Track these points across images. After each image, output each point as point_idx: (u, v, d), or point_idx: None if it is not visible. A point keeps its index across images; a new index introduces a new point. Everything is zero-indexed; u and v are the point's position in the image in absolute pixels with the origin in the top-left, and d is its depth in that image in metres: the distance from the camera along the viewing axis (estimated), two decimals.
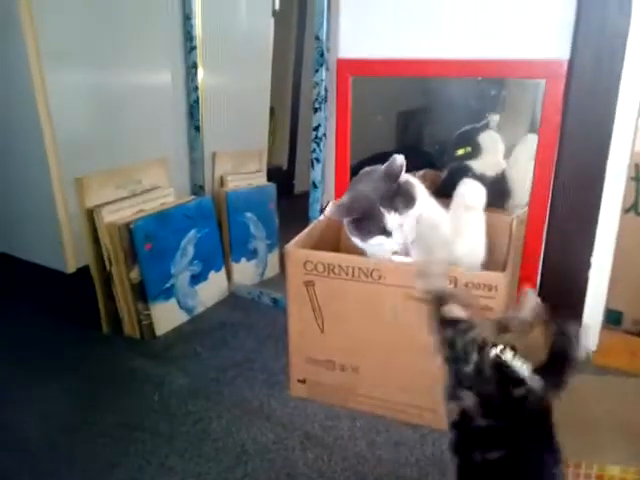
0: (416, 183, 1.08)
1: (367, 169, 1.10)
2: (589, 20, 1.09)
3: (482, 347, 0.67)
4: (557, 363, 0.66)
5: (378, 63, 1.37)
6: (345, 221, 1.07)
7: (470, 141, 1.38)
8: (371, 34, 1.37)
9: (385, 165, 1.04)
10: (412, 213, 1.03)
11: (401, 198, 1.02)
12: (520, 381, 0.64)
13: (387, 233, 1.02)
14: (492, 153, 1.37)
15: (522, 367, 0.65)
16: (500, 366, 0.66)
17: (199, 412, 1.15)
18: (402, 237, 1.02)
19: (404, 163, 1.02)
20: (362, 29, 1.39)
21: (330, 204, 1.08)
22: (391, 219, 1.01)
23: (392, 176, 1.02)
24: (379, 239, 1.03)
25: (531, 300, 0.74)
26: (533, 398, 0.64)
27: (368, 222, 1.02)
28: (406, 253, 1.07)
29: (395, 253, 1.07)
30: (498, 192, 1.36)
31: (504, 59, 1.22)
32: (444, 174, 1.43)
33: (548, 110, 1.18)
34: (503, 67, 1.24)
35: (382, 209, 1.00)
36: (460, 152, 1.41)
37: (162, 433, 1.09)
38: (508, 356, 0.66)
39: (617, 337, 1.32)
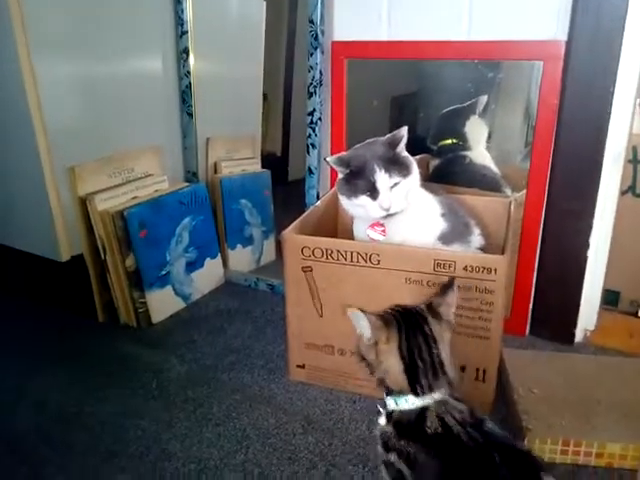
0: (414, 161, 1.08)
1: (370, 139, 1.11)
2: (587, 0, 1.09)
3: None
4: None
5: (373, 45, 1.35)
6: (338, 178, 1.09)
7: (455, 131, 1.38)
8: (366, 16, 1.35)
9: (388, 135, 1.07)
10: (404, 183, 1.03)
11: (397, 165, 1.03)
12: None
13: (374, 194, 1.02)
14: (478, 142, 1.38)
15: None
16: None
17: (198, 398, 1.14)
18: (387, 202, 1.01)
19: (406, 135, 1.04)
20: (357, 11, 1.37)
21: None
22: (381, 177, 1.01)
23: (392, 144, 1.05)
24: (364, 199, 1.03)
25: (360, 318, 0.69)
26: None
27: (358, 178, 1.03)
28: (383, 230, 1.08)
29: (374, 228, 1.08)
30: (495, 180, 1.36)
31: (501, 40, 1.21)
32: (436, 161, 1.43)
33: (546, 92, 1.17)
34: (500, 49, 1.22)
35: (375, 166, 1.01)
36: (446, 142, 1.40)
37: (162, 420, 1.08)
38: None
39: (615, 317, 1.33)
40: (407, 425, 0.65)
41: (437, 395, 0.65)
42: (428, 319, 0.69)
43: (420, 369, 0.66)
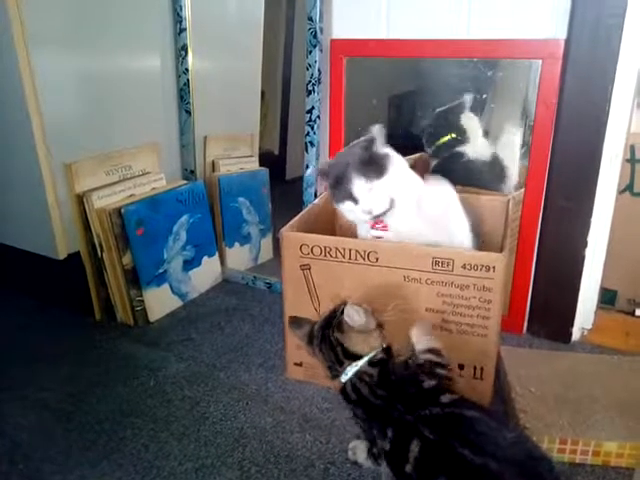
0: (392, 155, 1.07)
1: (352, 142, 1.11)
2: None
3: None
4: None
5: (372, 43, 1.35)
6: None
7: (452, 127, 1.37)
8: (365, 14, 1.35)
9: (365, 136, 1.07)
10: (380, 183, 1.03)
11: (371, 167, 1.03)
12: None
13: (354, 199, 1.03)
14: (476, 136, 1.37)
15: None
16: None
17: (196, 397, 1.14)
18: (368, 205, 1.03)
19: (380, 133, 1.04)
20: (356, 9, 1.36)
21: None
22: (358, 185, 1.02)
23: (367, 146, 1.05)
24: (349, 205, 1.05)
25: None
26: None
27: (338, 187, 1.05)
28: (384, 226, 1.09)
29: (375, 227, 1.09)
30: (494, 175, 1.36)
31: (500, 39, 1.21)
32: (434, 161, 1.42)
33: (544, 91, 1.17)
34: (499, 47, 1.22)
35: (352, 173, 1.02)
36: (445, 139, 1.40)
37: (159, 418, 1.08)
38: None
39: (612, 316, 1.34)
40: (341, 392, 0.88)
41: (351, 371, 0.85)
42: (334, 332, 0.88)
43: (331, 365, 0.88)
